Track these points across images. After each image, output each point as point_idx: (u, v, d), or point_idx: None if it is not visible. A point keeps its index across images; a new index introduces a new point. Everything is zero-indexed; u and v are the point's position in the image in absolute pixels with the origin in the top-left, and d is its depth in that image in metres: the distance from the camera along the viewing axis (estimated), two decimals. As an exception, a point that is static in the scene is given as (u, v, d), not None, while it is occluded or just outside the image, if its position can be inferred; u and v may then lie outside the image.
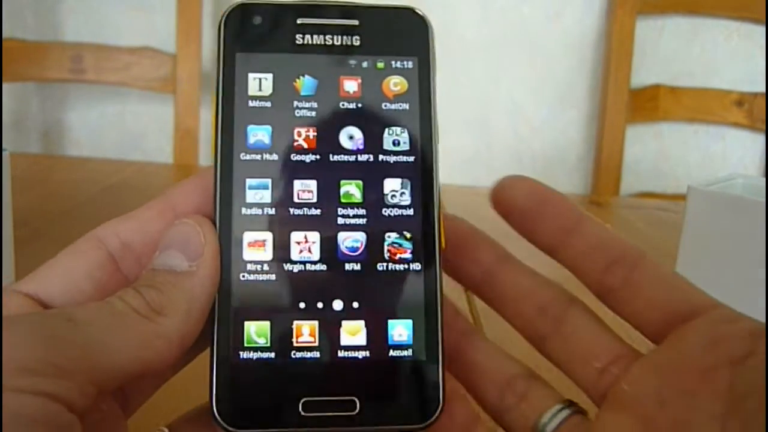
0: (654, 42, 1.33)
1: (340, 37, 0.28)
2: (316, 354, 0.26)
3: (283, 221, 0.26)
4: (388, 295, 0.26)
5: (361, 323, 0.26)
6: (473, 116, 1.35)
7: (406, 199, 0.27)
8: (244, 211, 0.26)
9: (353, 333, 0.26)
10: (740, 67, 1.34)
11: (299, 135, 0.27)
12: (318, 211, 0.27)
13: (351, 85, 0.28)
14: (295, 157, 0.27)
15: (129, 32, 1.26)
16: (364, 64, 0.28)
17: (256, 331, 0.26)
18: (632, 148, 1.33)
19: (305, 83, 0.27)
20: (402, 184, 0.27)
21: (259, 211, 0.26)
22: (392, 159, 0.27)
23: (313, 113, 0.27)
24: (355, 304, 0.26)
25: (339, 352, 0.26)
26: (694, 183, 0.51)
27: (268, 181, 0.27)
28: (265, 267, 0.26)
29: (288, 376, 0.25)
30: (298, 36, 0.27)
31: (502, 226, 0.28)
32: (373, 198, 0.27)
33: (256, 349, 0.25)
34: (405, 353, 0.26)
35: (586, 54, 1.33)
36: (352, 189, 0.27)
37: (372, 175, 0.27)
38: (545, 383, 0.28)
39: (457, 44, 1.30)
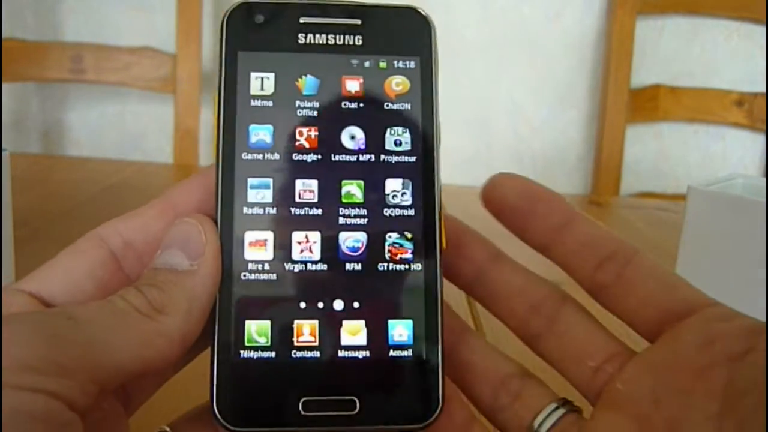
0: (654, 42, 1.33)
1: (342, 36, 0.28)
2: (317, 353, 0.26)
3: (284, 221, 0.26)
4: (388, 295, 0.26)
5: (362, 323, 0.26)
6: (473, 116, 1.35)
7: (408, 200, 0.27)
8: (245, 210, 0.26)
9: (354, 333, 0.26)
10: (740, 67, 1.34)
11: (301, 134, 0.27)
12: (319, 211, 0.27)
13: (353, 85, 0.28)
14: (296, 157, 0.27)
15: (129, 32, 1.26)
16: (367, 64, 0.28)
17: (257, 330, 0.26)
18: (632, 148, 1.33)
19: (307, 82, 0.27)
20: (403, 184, 0.27)
21: (261, 211, 0.26)
22: (394, 159, 0.27)
23: (315, 113, 0.27)
24: (356, 304, 0.26)
25: (339, 351, 0.26)
26: (694, 183, 0.51)
27: (270, 181, 0.27)
28: (266, 266, 0.26)
29: (288, 376, 0.25)
30: (301, 35, 0.27)
31: (500, 226, 0.28)
32: (375, 198, 0.27)
33: (256, 349, 0.25)
34: (405, 353, 0.26)
35: (586, 54, 1.33)
36: (353, 189, 0.27)
37: (373, 175, 0.27)
38: (540, 382, 0.28)
39: (457, 44, 1.31)
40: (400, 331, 0.26)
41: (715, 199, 0.50)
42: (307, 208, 0.27)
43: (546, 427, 0.26)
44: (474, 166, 1.31)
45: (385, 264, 0.27)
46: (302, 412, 0.25)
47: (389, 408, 0.26)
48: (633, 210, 0.98)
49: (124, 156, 1.30)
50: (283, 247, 0.26)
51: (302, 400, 0.25)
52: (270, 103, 0.27)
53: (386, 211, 0.27)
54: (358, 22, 0.28)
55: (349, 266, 0.26)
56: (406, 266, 0.27)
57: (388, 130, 0.27)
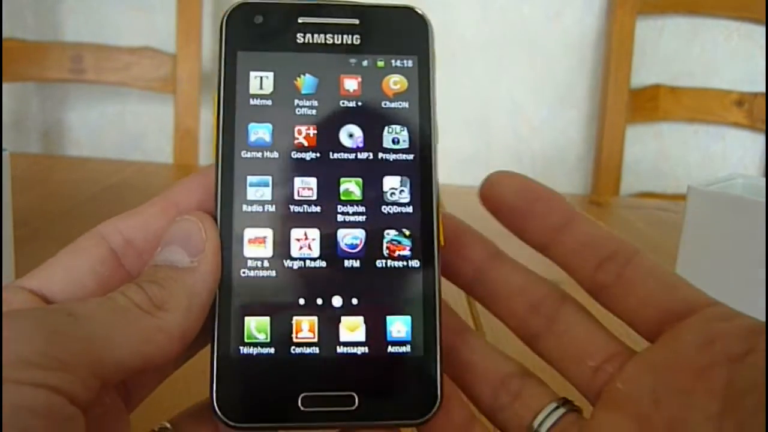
0: (654, 42, 1.33)
1: (340, 36, 0.28)
2: (316, 350, 0.26)
3: (283, 218, 0.27)
4: (387, 291, 0.27)
5: (360, 319, 0.26)
6: (473, 116, 1.35)
7: (406, 197, 0.27)
8: (244, 208, 0.26)
9: (352, 329, 0.26)
10: (740, 67, 1.34)
11: (300, 133, 0.27)
12: (318, 209, 0.27)
13: (351, 84, 0.28)
14: (295, 155, 0.27)
15: (129, 32, 1.26)
16: (365, 63, 0.28)
17: (256, 326, 0.26)
18: (632, 148, 1.33)
19: (306, 82, 0.28)
20: (401, 181, 0.27)
21: (260, 208, 0.26)
22: (392, 157, 0.27)
23: (314, 111, 0.27)
24: (354, 301, 0.26)
25: (338, 347, 0.26)
26: (694, 183, 0.51)
27: (269, 179, 0.27)
28: (266, 263, 0.26)
29: (287, 372, 0.26)
30: (299, 35, 0.28)
31: (500, 225, 0.28)
32: (373, 195, 0.27)
33: (256, 345, 0.26)
34: (403, 349, 0.26)
35: (586, 54, 1.33)
36: (351, 186, 0.27)
37: (371, 173, 0.27)
38: (540, 381, 0.27)
39: (457, 44, 1.31)
40: (399, 327, 0.26)
41: (715, 199, 0.50)
42: (305, 206, 0.27)
43: (546, 426, 0.26)
44: (473, 165, 1.31)
45: (384, 261, 0.27)
46: (301, 408, 0.25)
47: (388, 403, 0.26)
48: (633, 210, 0.98)
49: (124, 156, 1.31)
50: (282, 244, 0.26)
51: (301, 396, 0.25)
52: (269, 102, 0.27)
53: (384, 209, 0.27)
54: (356, 21, 0.28)
55: (347, 263, 0.27)
56: (404, 263, 0.27)
57: (386, 128, 0.28)
